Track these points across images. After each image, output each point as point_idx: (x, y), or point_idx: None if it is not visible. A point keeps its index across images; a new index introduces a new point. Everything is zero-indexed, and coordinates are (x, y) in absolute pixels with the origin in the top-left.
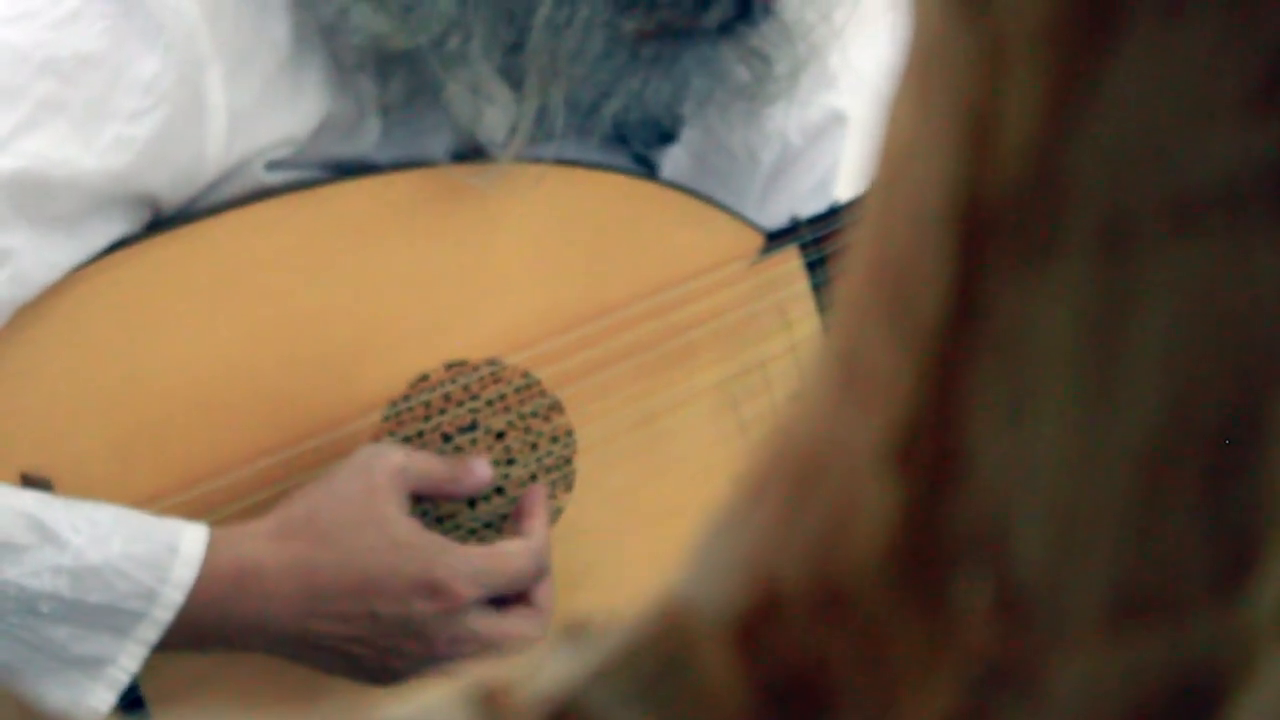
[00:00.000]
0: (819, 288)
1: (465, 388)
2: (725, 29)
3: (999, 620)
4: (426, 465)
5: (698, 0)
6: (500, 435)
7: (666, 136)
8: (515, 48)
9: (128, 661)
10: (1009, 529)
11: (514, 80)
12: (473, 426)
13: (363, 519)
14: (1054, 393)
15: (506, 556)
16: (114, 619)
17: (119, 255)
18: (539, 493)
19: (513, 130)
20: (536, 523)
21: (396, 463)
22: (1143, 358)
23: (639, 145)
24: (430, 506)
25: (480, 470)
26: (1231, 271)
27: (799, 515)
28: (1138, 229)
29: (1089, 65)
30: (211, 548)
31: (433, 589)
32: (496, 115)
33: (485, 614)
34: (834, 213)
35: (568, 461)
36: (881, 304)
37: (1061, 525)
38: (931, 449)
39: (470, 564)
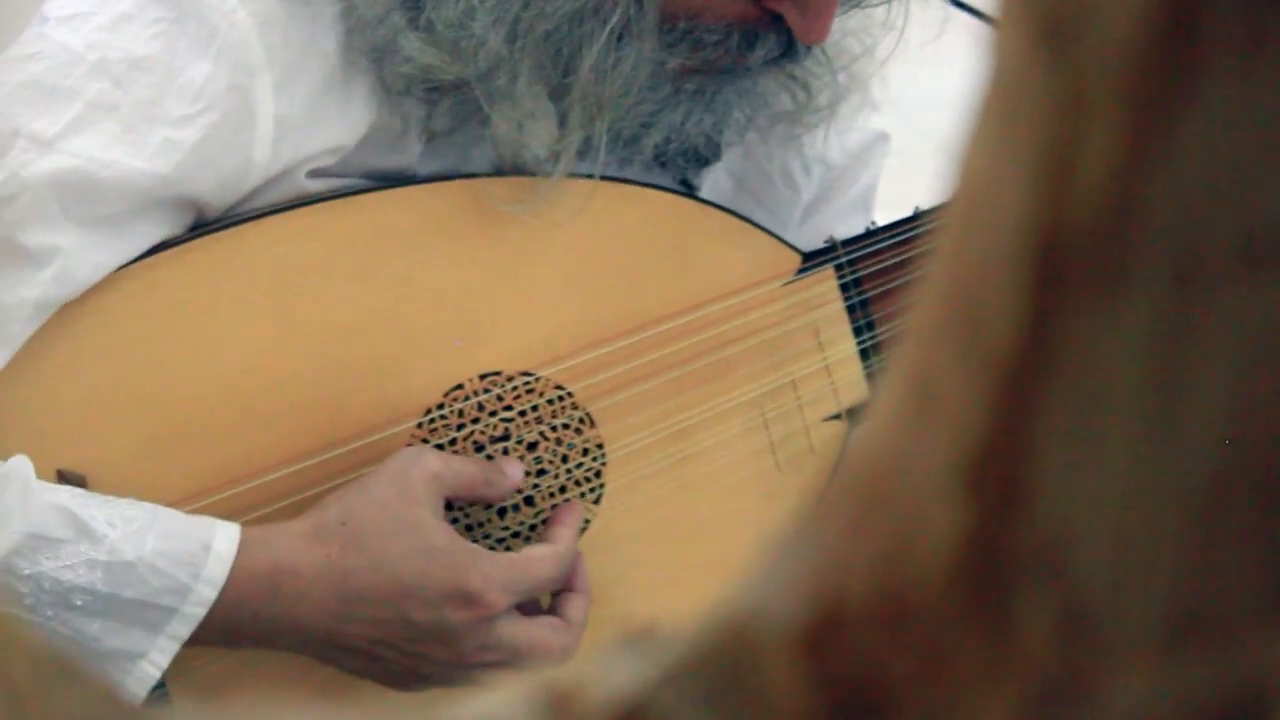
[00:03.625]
0: (853, 309)
1: (499, 398)
2: (768, 62)
3: (1059, 638)
4: (461, 469)
5: (744, 39)
6: (532, 446)
7: (705, 161)
8: (562, 85)
9: (159, 657)
10: (1072, 551)
11: (559, 114)
12: (505, 437)
13: (397, 525)
14: (1119, 423)
15: (534, 562)
16: (147, 614)
17: (160, 256)
18: (574, 507)
19: (556, 160)
20: (566, 531)
21: (432, 468)
22: (1206, 393)
23: (677, 170)
24: (460, 515)
25: (513, 472)
26: None
27: (866, 532)
28: (1207, 271)
29: (1167, 111)
30: (245, 546)
31: (466, 597)
32: (541, 146)
33: (515, 622)
34: (870, 235)
35: (597, 475)
36: (955, 332)
37: (1122, 550)
38: (999, 473)
39: (503, 572)
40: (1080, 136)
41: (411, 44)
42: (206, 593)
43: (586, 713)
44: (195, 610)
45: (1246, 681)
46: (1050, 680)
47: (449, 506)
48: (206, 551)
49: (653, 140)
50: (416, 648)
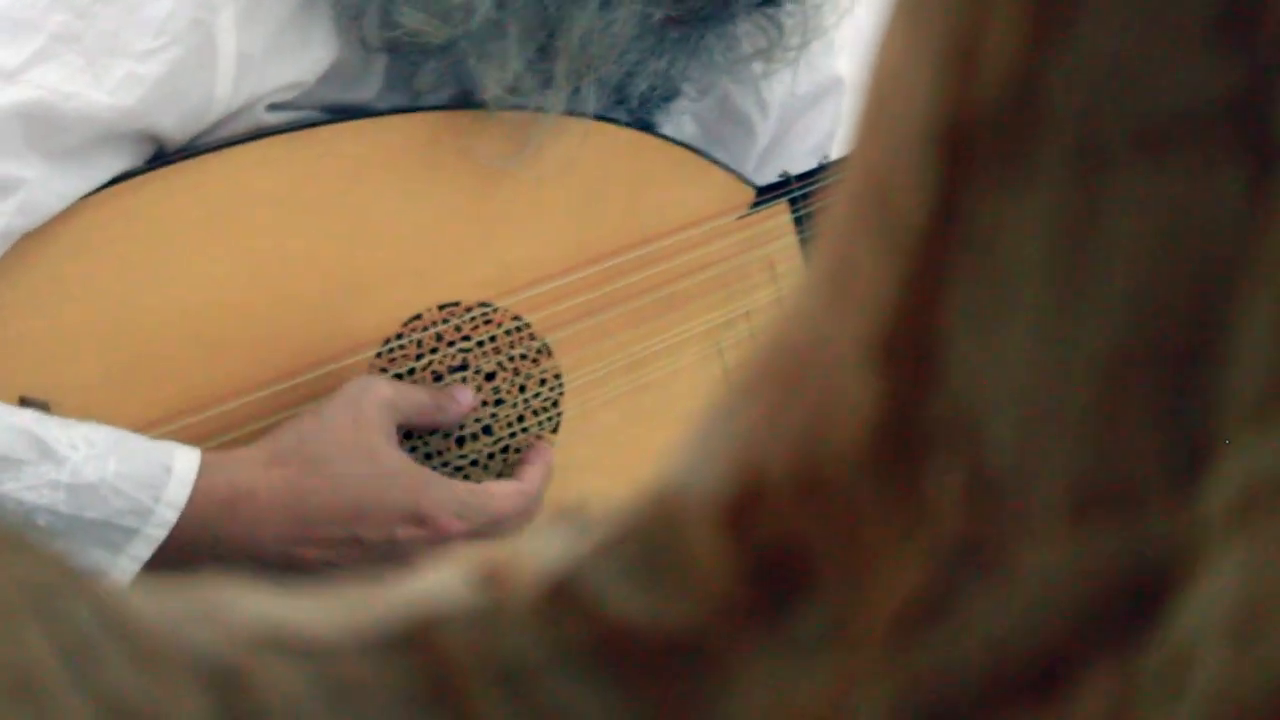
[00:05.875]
0: (807, 242)
1: (457, 328)
2: (750, 6)
3: (969, 505)
4: (413, 396)
5: None
6: (490, 376)
7: (667, 97)
8: (550, 45)
9: (119, 576)
10: (980, 422)
11: (547, 72)
12: (463, 367)
13: (351, 448)
14: (1025, 299)
15: (493, 495)
16: (108, 535)
17: (122, 187)
18: (544, 448)
19: (542, 111)
20: (533, 471)
21: (385, 395)
22: (1108, 270)
23: (638, 107)
24: (419, 444)
25: (463, 397)
26: (1193, 194)
27: (786, 408)
28: (1108, 151)
29: None
30: (204, 470)
31: (418, 518)
32: (529, 103)
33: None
34: (823, 169)
35: (555, 404)
36: (868, 215)
37: (1029, 420)
38: (910, 348)
39: (456, 497)
40: (983, 20)
41: (399, 8)
42: (167, 514)
43: (519, 586)
44: (156, 531)
45: (1150, 552)
46: (960, 548)
47: (407, 435)
48: (168, 474)
49: (638, 89)
50: (370, 569)
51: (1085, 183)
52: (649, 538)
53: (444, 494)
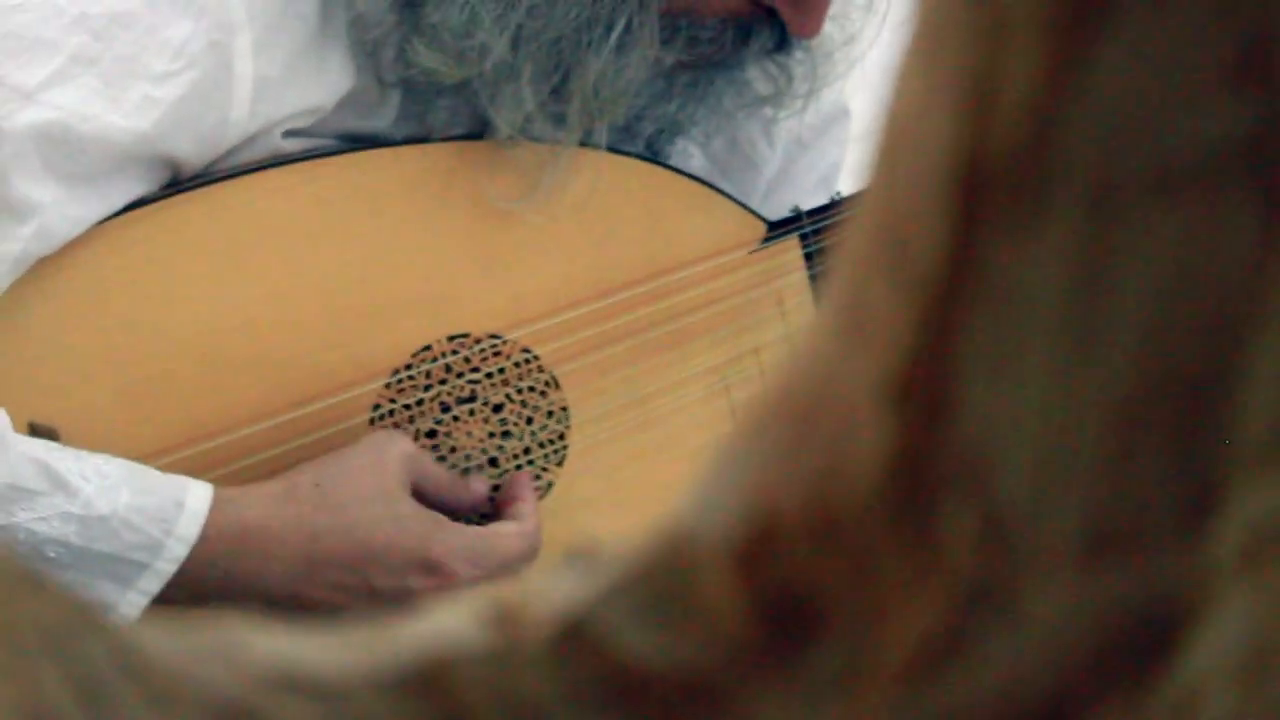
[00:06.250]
0: (817, 278)
1: (466, 360)
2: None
3: (982, 547)
4: (434, 466)
5: (738, 34)
6: (497, 408)
7: (673, 137)
8: (563, 88)
9: (128, 610)
10: (993, 464)
11: (559, 113)
12: (471, 398)
13: (368, 491)
14: (1039, 342)
15: (502, 537)
16: (118, 569)
17: (137, 213)
18: (524, 478)
19: (555, 153)
20: (526, 506)
21: (407, 449)
22: (1121, 314)
23: (645, 147)
24: None
25: (478, 489)
26: (1207, 238)
27: (799, 449)
28: (1123, 195)
29: (1083, 43)
30: (217, 505)
31: (429, 566)
32: (541, 140)
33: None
34: (835, 205)
35: (561, 437)
36: (884, 256)
37: (1041, 463)
38: (924, 390)
39: (467, 544)
40: (1000, 65)
41: (414, 48)
42: (178, 549)
43: (531, 627)
44: (166, 566)
45: (1160, 594)
46: (972, 589)
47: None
48: (179, 508)
49: (646, 131)
50: (378, 615)
51: (1099, 226)
52: (661, 578)
53: (455, 541)
